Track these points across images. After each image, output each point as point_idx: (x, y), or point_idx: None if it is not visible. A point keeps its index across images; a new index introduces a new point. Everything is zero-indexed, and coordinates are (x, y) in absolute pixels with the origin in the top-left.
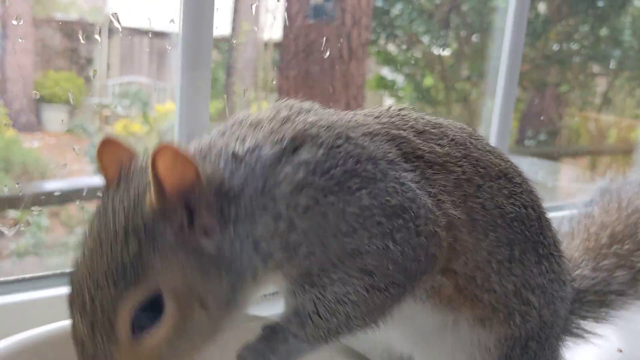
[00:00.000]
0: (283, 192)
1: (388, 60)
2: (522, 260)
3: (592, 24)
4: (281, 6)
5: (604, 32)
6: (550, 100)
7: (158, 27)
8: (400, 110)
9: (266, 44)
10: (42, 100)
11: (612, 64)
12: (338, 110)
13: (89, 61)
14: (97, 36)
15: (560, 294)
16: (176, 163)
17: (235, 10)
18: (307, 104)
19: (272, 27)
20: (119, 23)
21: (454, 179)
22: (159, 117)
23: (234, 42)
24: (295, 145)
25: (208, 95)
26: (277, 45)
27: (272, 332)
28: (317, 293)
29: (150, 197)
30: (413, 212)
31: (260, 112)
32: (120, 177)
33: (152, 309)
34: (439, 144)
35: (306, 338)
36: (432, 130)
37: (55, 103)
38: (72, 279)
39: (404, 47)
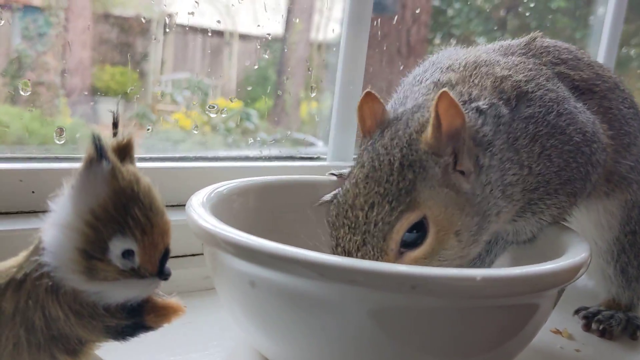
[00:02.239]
0: (522, 144)
1: None
2: (635, 142)
3: None
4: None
5: None
6: None
7: (214, 26)
8: (535, 40)
9: (320, 43)
10: (98, 93)
11: None
12: (489, 52)
13: (144, 56)
14: (153, 32)
15: None
16: (451, 108)
17: (289, 10)
18: (471, 58)
19: (327, 26)
20: (175, 20)
21: (597, 98)
22: (214, 111)
23: (287, 40)
24: (517, 102)
25: (360, 88)
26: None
27: (490, 240)
28: (538, 219)
29: (427, 135)
30: (599, 134)
31: (450, 73)
32: (384, 126)
33: (416, 230)
34: (581, 69)
35: (515, 243)
36: (569, 57)
37: (110, 96)
38: (339, 202)
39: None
